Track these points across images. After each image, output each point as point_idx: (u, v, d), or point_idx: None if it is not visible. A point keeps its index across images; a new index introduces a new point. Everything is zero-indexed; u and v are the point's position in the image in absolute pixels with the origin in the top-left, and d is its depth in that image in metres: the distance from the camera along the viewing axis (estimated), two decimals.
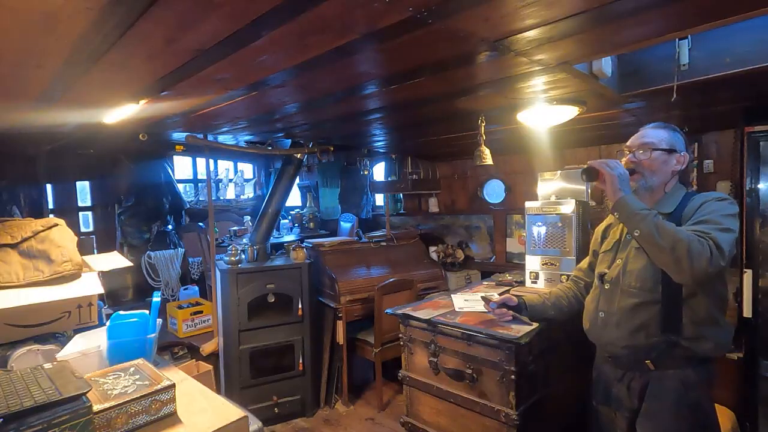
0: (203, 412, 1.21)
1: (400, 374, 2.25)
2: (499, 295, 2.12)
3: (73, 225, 3.46)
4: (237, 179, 4.89)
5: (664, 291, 1.47)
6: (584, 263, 1.93)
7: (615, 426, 1.66)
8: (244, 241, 3.56)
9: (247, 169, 5.16)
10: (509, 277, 2.88)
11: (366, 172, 4.22)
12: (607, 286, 1.64)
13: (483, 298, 2.10)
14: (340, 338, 3.33)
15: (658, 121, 1.70)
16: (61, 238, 1.67)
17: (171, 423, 1.15)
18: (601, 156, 3.57)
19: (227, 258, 3.12)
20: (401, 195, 4.96)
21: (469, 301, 2.34)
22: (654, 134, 1.63)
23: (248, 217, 4.46)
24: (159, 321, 1.55)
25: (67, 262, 1.59)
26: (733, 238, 1.39)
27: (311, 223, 4.83)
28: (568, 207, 2.36)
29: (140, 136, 2.73)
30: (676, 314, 1.47)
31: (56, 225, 1.73)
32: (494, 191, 4.34)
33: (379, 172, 4.85)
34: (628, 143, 1.69)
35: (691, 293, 1.46)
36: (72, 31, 1.08)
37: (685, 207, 1.54)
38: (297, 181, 4.65)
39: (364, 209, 4.74)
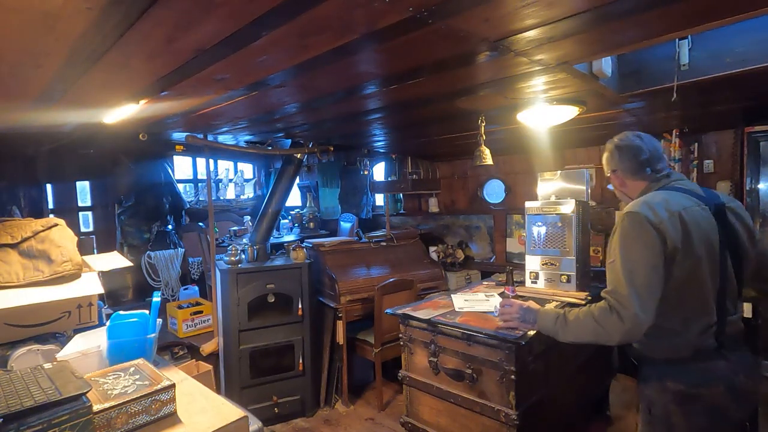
0: (203, 412, 1.21)
1: (400, 374, 2.25)
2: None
3: (73, 225, 3.46)
4: (237, 179, 4.89)
5: None
6: None
7: None
8: (244, 241, 3.56)
9: (247, 169, 5.15)
10: None
11: (366, 172, 4.22)
12: None
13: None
14: (340, 338, 3.33)
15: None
16: (61, 238, 1.67)
17: (171, 423, 1.15)
18: (601, 157, 3.56)
19: (227, 258, 3.12)
20: (401, 195, 4.96)
21: (469, 301, 2.34)
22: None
23: (248, 217, 4.46)
24: (159, 321, 1.55)
25: (67, 262, 1.59)
26: (632, 264, 1.38)
27: (311, 223, 4.83)
28: (568, 207, 2.36)
29: (140, 136, 2.73)
30: None
31: (56, 225, 1.73)
32: (494, 191, 4.34)
33: (379, 172, 4.85)
34: None
35: None
36: (72, 31, 1.08)
37: None
38: (297, 181, 4.65)
39: (364, 209, 4.74)
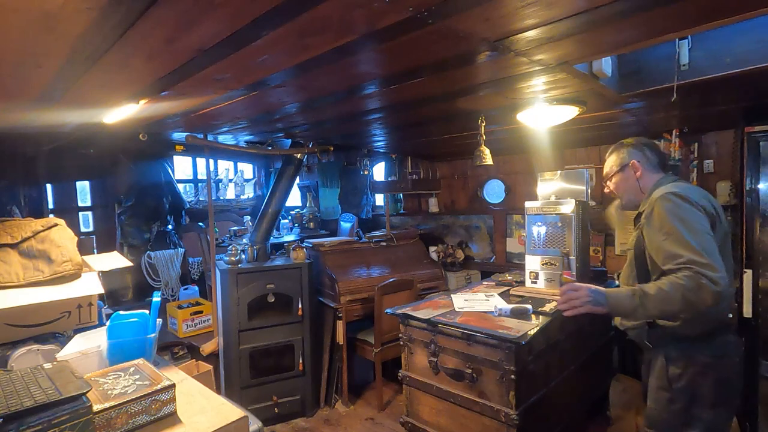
0: (203, 412, 1.21)
1: (400, 374, 2.25)
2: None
3: (73, 225, 3.46)
4: (237, 179, 4.88)
5: (640, 280, 1.66)
6: None
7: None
8: (244, 241, 3.56)
9: (247, 169, 5.15)
10: (509, 277, 2.88)
11: (366, 172, 4.21)
12: None
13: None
14: (340, 338, 3.33)
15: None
16: (61, 238, 1.67)
17: (171, 423, 1.15)
18: (601, 157, 3.57)
19: (227, 258, 3.12)
20: (401, 195, 4.95)
21: (469, 301, 2.34)
22: (607, 164, 1.90)
23: (248, 217, 4.46)
24: (159, 321, 1.55)
25: (67, 262, 1.59)
26: (693, 234, 1.46)
27: (311, 223, 4.83)
28: (568, 207, 2.36)
29: (140, 136, 2.73)
30: None
31: (56, 225, 1.73)
32: (494, 191, 4.34)
33: (379, 172, 4.85)
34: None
35: (659, 278, 1.58)
36: (72, 31, 1.08)
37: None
38: (297, 181, 4.65)
39: (364, 209, 4.74)
